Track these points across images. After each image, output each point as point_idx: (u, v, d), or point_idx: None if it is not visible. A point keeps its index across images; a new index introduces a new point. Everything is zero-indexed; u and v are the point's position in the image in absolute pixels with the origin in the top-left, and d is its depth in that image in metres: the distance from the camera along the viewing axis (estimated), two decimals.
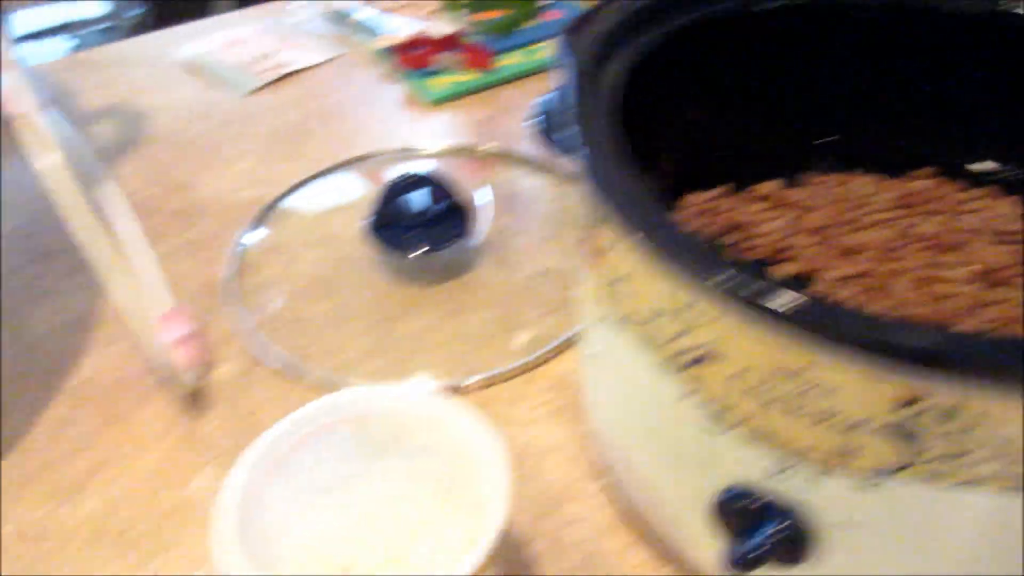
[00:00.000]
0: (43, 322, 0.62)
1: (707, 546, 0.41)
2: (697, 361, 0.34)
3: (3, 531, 0.49)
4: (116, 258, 0.55)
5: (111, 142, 0.81)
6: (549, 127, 0.46)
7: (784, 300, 0.29)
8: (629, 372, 0.39)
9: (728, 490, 0.37)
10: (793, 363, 0.31)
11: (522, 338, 0.58)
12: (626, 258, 0.36)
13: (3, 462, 0.52)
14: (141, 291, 0.54)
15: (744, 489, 0.36)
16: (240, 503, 0.39)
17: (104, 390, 0.57)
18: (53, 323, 0.62)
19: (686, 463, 0.38)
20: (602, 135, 0.37)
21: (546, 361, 0.57)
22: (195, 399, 0.56)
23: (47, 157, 0.52)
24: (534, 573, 0.45)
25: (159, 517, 0.49)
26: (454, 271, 0.64)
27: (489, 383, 0.55)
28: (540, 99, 0.48)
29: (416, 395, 0.42)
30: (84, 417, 0.55)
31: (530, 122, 0.47)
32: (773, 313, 0.29)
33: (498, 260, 0.64)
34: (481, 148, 0.76)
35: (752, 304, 0.30)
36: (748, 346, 0.32)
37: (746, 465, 0.35)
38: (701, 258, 0.31)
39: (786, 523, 0.35)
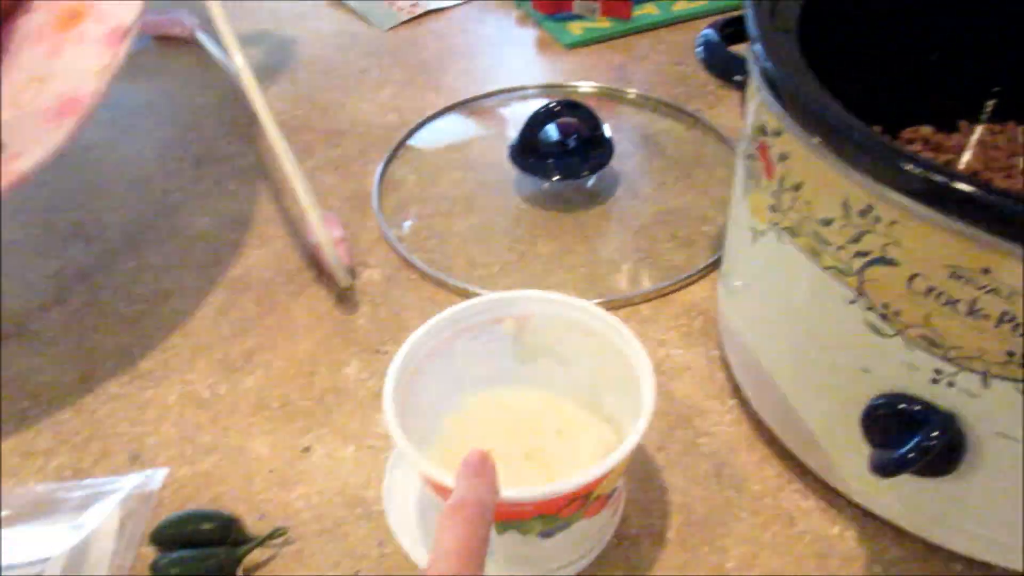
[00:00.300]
0: (202, 221, 0.66)
1: (845, 457, 0.43)
2: (871, 264, 0.35)
3: (172, 396, 0.53)
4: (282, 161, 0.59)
5: (258, 66, 0.85)
6: (711, 57, 0.48)
7: (972, 189, 0.30)
8: (790, 282, 0.41)
9: (883, 396, 0.38)
10: (974, 263, 0.32)
11: (653, 267, 0.60)
12: (804, 165, 0.37)
13: (172, 337, 0.57)
14: (302, 197, 0.58)
15: (902, 395, 0.37)
16: (401, 380, 0.42)
17: (261, 283, 0.61)
18: (212, 222, 0.66)
19: (841, 371, 0.40)
20: (783, 50, 0.39)
21: (677, 290, 0.59)
22: (346, 297, 0.59)
23: (235, 58, 0.55)
24: (662, 479, 0.47)
25: (314, 397, 0.53)
26: (588, 201, 0.66)
27: (621, 305, 0.57)
28: (703, 32, 0.50)
29: (575, 304, 0.44)
30: (243, 305, 0.59)
31: (697, 50, 0.48)
32: (962, 203, 0.30)
33: (631, 195, 0.66)
34: (617, 90, 0.77)
35: (939, 196, 0.31)
36: (926, 246, 0.33)
37: (910, 370, 0.36)
38: (888, 155, 0.33)
39: (941, 430, 0.36)
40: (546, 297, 0.45)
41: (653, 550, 0.44)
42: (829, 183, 0.36)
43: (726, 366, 0.53)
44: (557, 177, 0.65)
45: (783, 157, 0.38)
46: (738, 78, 0.46)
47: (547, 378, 0.47)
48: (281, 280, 0.61)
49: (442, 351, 0.45)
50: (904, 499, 0.42)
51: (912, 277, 0.34)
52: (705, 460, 0.48)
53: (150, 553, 0.44)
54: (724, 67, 0.47)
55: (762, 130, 0.40)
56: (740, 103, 0.46)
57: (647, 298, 0.58)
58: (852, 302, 0.37)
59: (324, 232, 0.57)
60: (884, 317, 0.36)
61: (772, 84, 0.38)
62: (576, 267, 0.61)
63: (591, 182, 0.67)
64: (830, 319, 0.39)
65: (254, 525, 0.46)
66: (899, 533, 0.44)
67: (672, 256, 0.61)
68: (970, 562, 0.43)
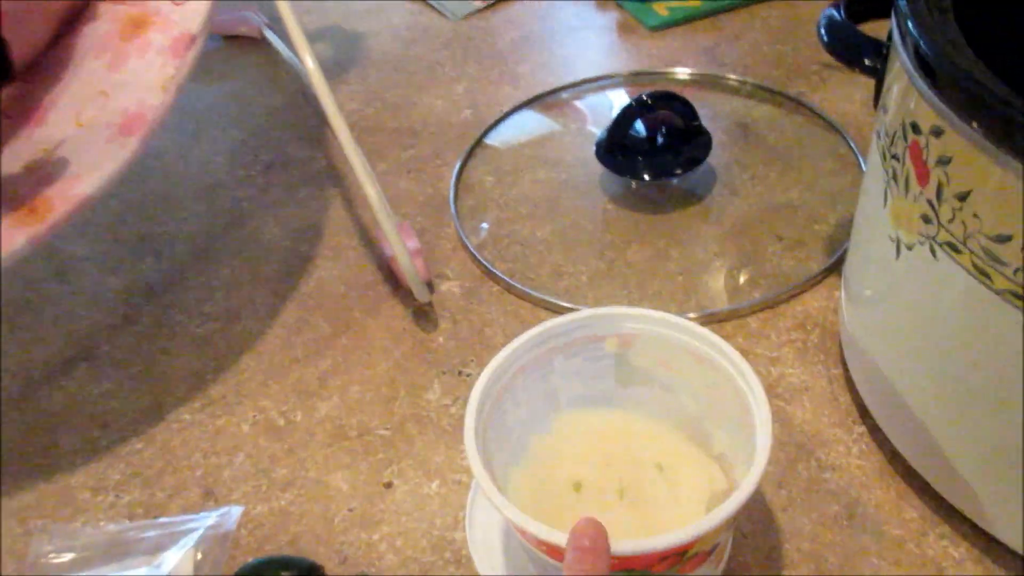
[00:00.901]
0: (273, 232, 0.63)
1: (1005, 501, 0.37)
2: None
3: (246, 425, 0.50)
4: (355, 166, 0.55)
5: (327, 63, 0.82)
6: (836, 39, 0.42)
7: None
8: (946, 303, 0.35)
9: None
10: None
11: (759, 273, 0.54)
12: (974, 171, 0.31)
13: (243, 359, 0.54)
14: (375, 204, 0.54)
15: None
16: (486, 401, 0.38)
17: (333, 299, 0.57)
18: (282, 233, 0.63)
19: (1008, 405, 0.34)
20: (942, 31, 0.33)
21: (788, 299, 0.53)
22: (424, 313, 0.55)
23: (305, 56, 0.52)
24: (785, 520, 0.42)
25: (394, 425, 0.49)
26: (684, 200, 0.60)
27: (725, 317, 0.52)
28: (826, 10, 0.44)
29: (687, 327, 0.40)
30: (315, 323, 0.56)
31: (820, 31, 0.42)
32: None
33: (729, 191, 0.61)
34: (714, 75, 0.71)
35: None
36: None
37: None
38: None
39: None
40: (654, 316, 0.40)
41: None
42: (1008, 193, 0.30)
43: (851, 386, 0.47)
44: (648, 176, 0.59)
45: (943, 161, 0.32)
46: (869, 63, 0.40)
47: (651, 404, 0.42)
48: (355, 296, 0.57)
49: (536, 367, 0.40)
50: None
51: None
52: (833, 499, 0.43)
53: None
54: (853, 50, 0.41)
55: (914, 128, 0.34)
56: (873, 92, 0.40)
57: (754, 309, 0.52)
58: None
59: (400, 244, 0.53)
60: None
61: (932, 72, 0.32)
62: (672, 275, 0.55)
63: (687, 180, 0.62)
64: (998, 347, 0.33)
65: (335, 571, 0.42)
66: None
67: (780, 260, 0.55)
68: None
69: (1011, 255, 0.30)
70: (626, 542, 0.32)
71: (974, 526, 0.40)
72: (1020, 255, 0.30)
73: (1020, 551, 0.38)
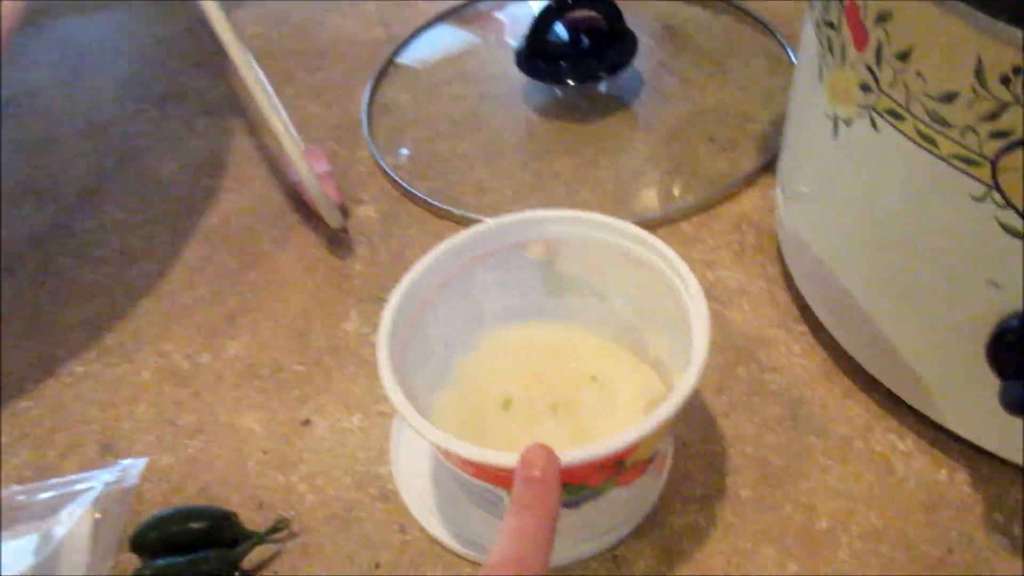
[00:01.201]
0: (170, 167, 0.58)
1: (954, 388, 0.35)
2: (1013, 147, 0.27)
3: (147, 372, 0.46)
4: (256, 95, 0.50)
5: None
6: None
7: None
8: (890, 178, 0.32)
9: (1019, 316, 0.30)
10: None
11: (691, 177, 0.51)
12: (916, 24, 0.28)
13: (142, 303, 0.49)
14: (278, 130, 0.49)
15: None
16: (402, 319, 0.35)
17: (240, 232, 0.53)
18: (180, 168, 0.57)
19: (958, 287, 0.32)
20: None
21: (722, 201, 0.50)
22: (339, 240, 0.51)
23: None
24: (727, 426, 0.40)
25: (310, 360, 0.45)
26: (611, 106, 0.57)
27: (659, 224, 0.49)
28: None
29: (617, 227, 0.36)
30: (221, 259, 0.51)
31: None
32: None
33: (657, 96, 0.57)
34: None
35: None
36: None
37: None
38: None
39: None
40: (582, 217, 0.37)
41: (726, 513, 0.37)
42: (954, 45, 0.27)
43: (790, 285, 0.45)
44: (572, 82, 0.56)
45: (882, 18, 0.29)
46: None
47: (582, 314, 0.39)
48: (263, 227, 0.53)
49: (456, 281, 0.37)
50: None
51: None
52: (776, 401, 0.41)
53: (131, 561, 0.38)
54: None
55: None
56: None
57: (687, 214, 0.50)
58: (980, 199, 0.29)
59: (305, 166, 0.48)
60: None
61: None
62: (602, 184, 0.52)
63: (613, 85, 0.58)
64: (946, 222, 0.31)
65: (251, 518, 0.39)
66: (1020, 472, 0.37)
67: (712, 163, 0.52)
68: None
69: (957, 114, 0.28)
70: (561, 454, 0.29)
71: (920, 417, 0.39)
72: (967, 113, 0.27)
73: (969, 437, 0.37)
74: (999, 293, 0.30)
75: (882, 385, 0.39)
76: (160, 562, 0.36)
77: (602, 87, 0.58)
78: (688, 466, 0.38)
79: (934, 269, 0.32)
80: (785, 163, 0.43)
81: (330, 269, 0.50)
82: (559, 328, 0.40)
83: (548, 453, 0.28)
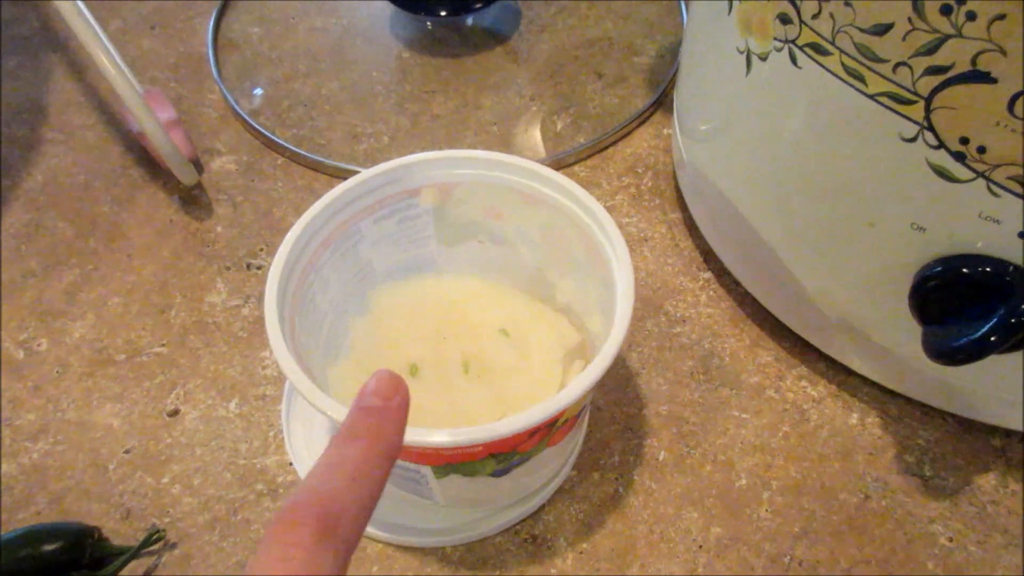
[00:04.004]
0: None
1: (874, 335, 0.34)
2: (950, 83, 0.25)
3: None
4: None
5: None
6: None
7: None
8: (810, 117, 0.30)
9: (942, 261, 0.29)
10: None
11: (580, 115, 0.48)
12: None
13: None
14: (107, 70, 0.42)
15: (971, 256, 0.28)
16: (287, 286, 0.30)
17: (73, 192, 0.45)
18: None
19: (880, 231, 0.30)
20: None
21: (615, 142, 0.47)
22: (194, 199, 0.45)
23: None
24: (640, 385, 0.38)
25: (172, 339, 0.40)
26: (488, 40, 0.53)
27: (550, 167, 0.46)
28: None
29: (514, 164, 0.33)
30: (51, 225, 0.44)
31: None
32: None
33: (537, 28, 0.53)
34: None
35: None
36: None
37: (987, 224, 0.27)
38: None
39: None
40: (476, 157, 0.33)
41: (644, 478, 0.35)
42: None
43: (692, 231, 0.43)
44: (444, 12, 0.51)
45: None
46: None
47: (481, 262, 0.36)
48: (100, 186, 0.46)
49: (341, 239, 0.33)
50: (942, 376, 0.34)
51: (1016, 97, 0.24)
52: (687, 354, 0.39)
53: None
54: None
55: None
56: None
57: (580, 156, 0.47)
58: (911, 139, 0.27)
59: (149, 116, 0.41)
60: (960, 156, 0.26)
61: None
62: (486, 126, 0.48)
63: (490, 16, 0.54)
64: (871, 164, 0.29)
65: (118, 530, 0.34)
66: (926, 411, 0.37)
67: (602, 99, 0.49)
68: (1009, 434, 0.36)
69: (890, 48, 0.26)
70: (494, 426, 0.26)
71: (829, 362, 0.38)
72: (901, 46, 0.25)
73: (880, 381, 0.37)
74: (924, 237, 0.29)
75: (790, 331, 0.39)
76: None
77: (478, 18, 0.53)
78: (604, 432, 0.36)
79: (854, 212, 0.31)
80: (684, 101, 0.41)
81: (187, 233, 0.43)
82: (458, 281, 0.37)
83: (397, 382, 0.23)
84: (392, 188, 0.33)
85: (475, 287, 0.37)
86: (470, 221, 0.35)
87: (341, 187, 0.32)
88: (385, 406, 0.22)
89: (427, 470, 0.30)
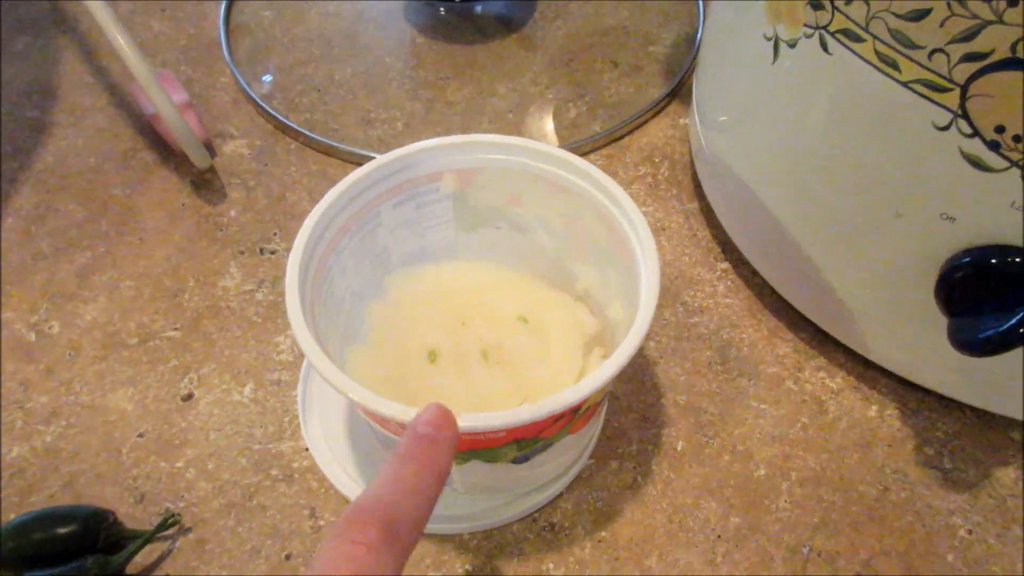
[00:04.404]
0: None
1: (888, 325, 0.34)
2: (988, 70, 0.25)
3: None
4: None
5: None
6: None
7: None
8: (840, 106, 0.30)
9: (971, 251, 0.29)
10: None
11: (596, 104, 0.48)
12: None
13: None
14: (123, 51, 0.41)
15: (1001, 247, 0.28)
16: (308, 271, 0.30)
17: (84, 175, 0.45)
18: (6, 94, 0.48)
19: (911, 220, 0.30)
20: None
21: (632, 131, 0.47)
22: (206, 183, 0.45)
23: None
24: (658, 374, 0.38)
25: (186, 323, 0.39)
26: (503, 27, 0.52)
27: None
28: None
29: (538, 150, 0.33)
30: (62, 207, 0.44)
31: None
32: None
33: (552, 14, 0.53)
34: None
35: None
36: None
37: (1019, 214, 0.27)
38: None
39: None
40: (498, 142, 0.33)
41: (663, 468, 0.35)
42: None
43: (710, 220, 0.43)
44: None
45: None
46: None
47: (501, 249, 0.36)
48: (111, 168, 0.45)
49: (358, 224, 0.33)
50: (964, 368, 0.34)
51: None
52: (705, 344, 0.39)
53: None
54: None
55: None
56: None
57: (596, 145, 0.46)
58: (944, 128, 0.27)
59: (163, 97, 0.41)
60: (994, 145, 0.26)
61: None
62: (501, 113, 0.48)
63: (498, 4, 0.53)
64: (902, 152, 0.29)
65: (132, 514, 0.33)
66: (946, 404, 0.37)
67: (618, 88, 0.49)
68: None
69: (927, 35, 0.25)
70: (521, 410, 0.26)
71: (848, 353, 0.38)
72: (938, 33, 0.25)
73: (899, 372, 0.36)
74: (952, 227, 0.29)
75: (809, 322, 0.38)
76: None
77: (488, 6, 0.53)
78: (622, 421, 0.36)
79: (881, 202, 0.31)
80: (705, 90, 0.40)
81: (200, 217, 0.43)
82: (477, 267, 0.36)
83: (445, 414, 0.25)
84: (412, 172, 0.33)
85: (493, 274, 0.36)
86: (490, 207, 0.35)
87: (360, 171, 0.32)
88: (437, 436, 0.24)
89: None
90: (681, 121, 0.47)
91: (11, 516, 0.33)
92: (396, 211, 0.34)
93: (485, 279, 0.36)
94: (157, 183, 0.45)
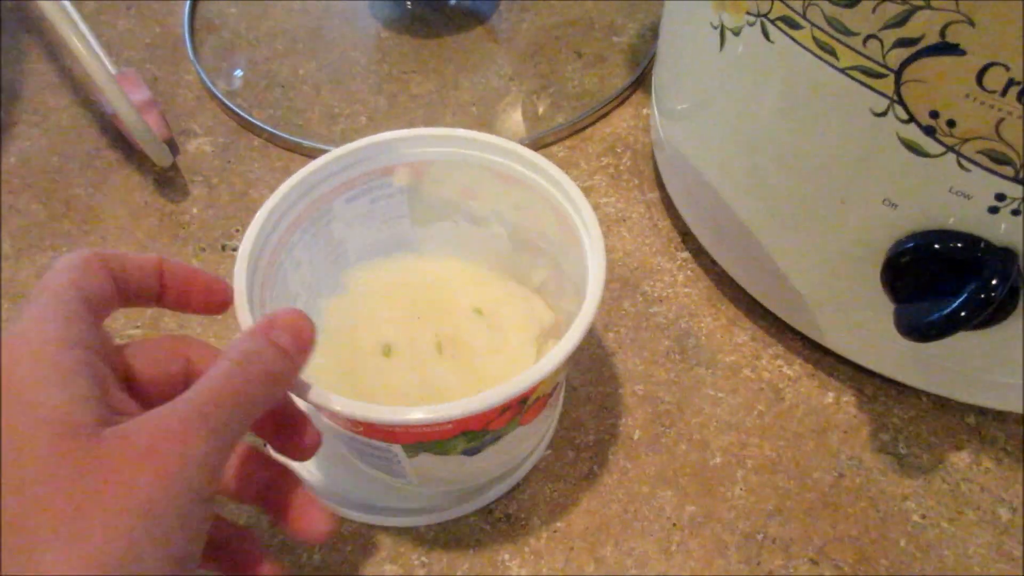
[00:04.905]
0: None
1: (840, 312, 0.34)
2: (920, 56, 0.25)
3: None
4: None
5: None
6: None
7: None
8: (782, 93, 0.30)
9: (914, 237, 0.29)
10: None
11: (560, 95, 0.48)
12: None
13: None
14: (80, 52, 0.41)
15: (942, 232, 0.28)
16: (258, 266, 0.30)
17: (46, 174, 0.45)
18: None
19: (852, 207, 0.30)
20: None
21: (595, 122, 0.47)
22: (169, 180, 0.45)
23: None
24: (616, 364, 0.38)
25: (147, 320, 0.39)
26: (467, 20, 0.52)
27: (528, 147, 0.46)
28: None
29: (491, 143, 0.33)
30: (24, 207, 0.44)
31: None
32: None
33: (516, 8, 0.53)
34: None
35: None
36: (1016, 21, 0.23)
37: (958, 199, 0.27)
38: None
39: (1002, 275, 0.27)
40: (451, 135, 0.33)
41: (619, 457, 0.35)
42: None
43: (670, 210, 0.43)
44: None
45: None
46: None
47: (456, 242, 0.36)
48: (74, 168, 0.45)
49: (313, 217, 0.33)
50: (917, 353, 0.34)
51: (985, 69, 0.24)
52: (663, 333, 0.39)
53: None
54: None
55: None
56: None
57: (560, 136, 0.46)
58: (882, 113, 0.27)
59: (121, 97, 0.41)
60: (930, 130, 0.26)
61: None
62: (464, 106, 0.48)
63: None
64: (843, 139, 0.29)
65: None
66: (901, 390, 0.37)
67: (582, 79, 0.49)
68: (983, 412, 0.36)
69: (861, 21, 0.25)
70: (465, 402, 0.26)
71: (805, 341, 0.38)
72: (871, 19, 0.25)
73: (854, 359, 0.36)
74: (896, 213, 0.29)
75: (767, 310, 0.38)
76: None
77: None
78: (579, 412, 0.36)
79: (827, 189, 0.31)
80: (661, 79, 0.40)
81: (162, 215, 0.43)
82: (433, 260, 0.36)
83: (304, 318, 0.26)
84: (365, 166, 0.33)
85: (450, 267, 0.36)
86: (445, 201, 0.35)
87: (311, 165, 0.32)
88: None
89: (398, 448, 0.30)
90: (644, 111, 0.47)
91: None
92: (350, 206, 0.34)
93: (442, 272, 0.36)
94: (120, 182, 0.45)
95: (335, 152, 0.32)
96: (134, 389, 0.25)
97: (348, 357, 0.33)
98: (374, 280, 0.36)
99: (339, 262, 0.35)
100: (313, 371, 0.32)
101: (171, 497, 0.20)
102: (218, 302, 0.28)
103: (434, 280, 0.36)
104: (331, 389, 0.27)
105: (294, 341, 0.25)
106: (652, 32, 0.51)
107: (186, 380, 0.26)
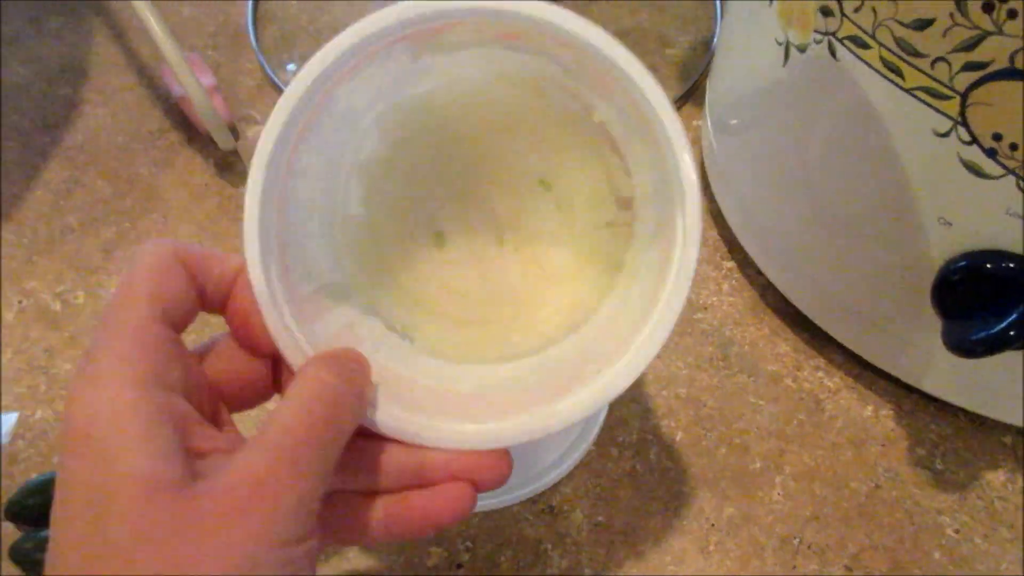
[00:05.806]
0: (18, 72, 0.50)
1: (887, 327, 0.35)
2: (987, 80, 0.26)
3: (9, 313, 0.40)
4: None
5: None
6: None
7: None
8: (844, 110, 0.31)
9: (967, 256, 0.30)
10: None
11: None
12: None
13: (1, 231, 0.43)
14: (156, 34, 0.43)
15: (995, 252, 0.29)
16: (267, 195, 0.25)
17: (111, 152, 0.46)
18: (32, 73, 0.50)
19: (907, 225, 0.31)
20: None
21: None
22: (229, 164, 0.46)
23: None
24: (659, 367, 0.39)
25: None
26: None
27: None
28: None
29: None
30: (90, 183, 0.45)
31: None
32: None
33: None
34: None
35: None
36: None
37: (1013, 221, 0.28)
38: None
39: None
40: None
41: (662, 458, 0.36)
42: None
43: (718, 220, 0.44)
44: None
45: None
46: None
47: (490, 70, 0.27)
48: (139, 147, 0.47)
49: (314, 122, 0.26)
50: (959, 371, 0.35)
51: None
52: (707, 340, 0.40)
53: (9, 532, 0.33)
54: None
55: None
56: None
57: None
58: (944, 134, 0.28)
59: (192, 80, 0.42)
60: (992, 152, 0.27)
61: None
62: None
63: None
64: (903, 157, 0.29)
65: None
66: (940, 407, 0.38)
67: None
68: (1021, 433, 0.37)
69: (930, 43, 0.26)
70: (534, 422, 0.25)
71: (846, 354, 0.39)
72: (941, 42, 0.26)
73: (895, 374, 0.37)
74: (950, 232, 0.30)
75: (809, 322, 0.39)
76: (43, 533, 0.32)
77: None
78: (623, 411, 0.37)
79: (883, 206, 0.32)
80: (717, 92, 0.41)
81: (222, 197, 0.44)
82: (478, 95, 0.27)
83: (359, 357, 0.24)
84: (376, 44, 0.24)
85: (498, 103, 0.27)
86: (474, 42, 0.26)
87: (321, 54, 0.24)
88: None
89: None
90: (694, 123, 0.48)
91: (33, 474, 0.34)
92: (354, 83, 0.26)
93: (483, 119, 0.27)
94: (182, 163, 0.46)
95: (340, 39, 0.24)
96: (215, 389, 0.24)
97: (391, 241, 0.28)
98: (407, 151, 0.28)
99: (358, 148, 0.28)
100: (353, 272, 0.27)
101: (268, 549, 0.19)
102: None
103: (488, 124, 0.27)
104: (378, 292, 0.25)
105: (358, 367, 0.24)
106: (704, 46, 0.52)
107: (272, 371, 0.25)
